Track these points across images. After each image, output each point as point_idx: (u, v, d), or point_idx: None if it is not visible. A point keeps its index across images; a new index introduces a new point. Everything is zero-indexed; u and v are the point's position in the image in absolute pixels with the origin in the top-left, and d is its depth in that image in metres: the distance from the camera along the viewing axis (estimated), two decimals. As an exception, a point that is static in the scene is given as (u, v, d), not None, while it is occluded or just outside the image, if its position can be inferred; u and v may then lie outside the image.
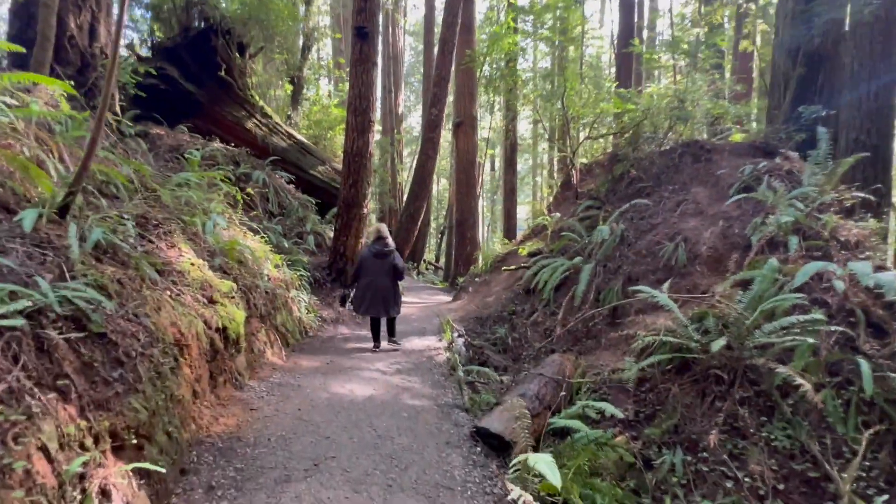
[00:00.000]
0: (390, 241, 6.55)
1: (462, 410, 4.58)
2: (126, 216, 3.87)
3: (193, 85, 9.59)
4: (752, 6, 14.72)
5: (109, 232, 3.26)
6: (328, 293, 8.37)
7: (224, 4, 10.00)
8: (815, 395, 3.52)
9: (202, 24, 9.61)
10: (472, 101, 17.39)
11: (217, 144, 9.28)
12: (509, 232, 22.23)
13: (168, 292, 3.39)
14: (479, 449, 3.43)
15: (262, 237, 6.99)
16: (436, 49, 18.05)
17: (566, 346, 6.18)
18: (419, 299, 12.04)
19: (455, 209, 18.85)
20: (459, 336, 7.40)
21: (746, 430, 3.80)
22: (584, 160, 10.13)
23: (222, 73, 9.51)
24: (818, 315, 3.92)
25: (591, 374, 5.04)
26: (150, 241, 3.94)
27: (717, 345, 3.63)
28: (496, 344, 7.19)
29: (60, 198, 3.14)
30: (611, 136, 8.41)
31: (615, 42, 16.18)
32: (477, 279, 10.54)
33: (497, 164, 35.05)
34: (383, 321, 6.69)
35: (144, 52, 10.35)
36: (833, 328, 3.93)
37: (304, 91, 12.88)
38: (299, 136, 11.12)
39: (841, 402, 3.72)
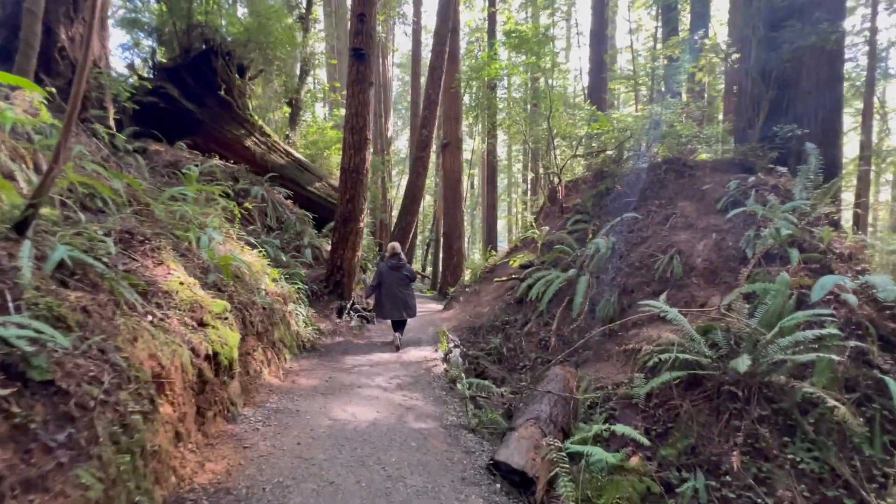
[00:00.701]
0: (403, 256, 7.21)
1: (469, 431, 3.93)
2: (106, 231, 3.14)
3: (194, 104, 8.82)
4: (707, 41, 14.69)
5: (80, 250, 2.54)
6: (325, 305, 7.63)
7: (225, 28, 9.29)
8: (841, 414, 3.01)
9: (203, 46, 8.87)
10: (457, 123, 16.92)
11: (216, 161, 8.51)
12: (490, 244, 21.74)
13: (149, 317, 2.67)
14: (498, 486, 2.79)
15: (260, 251, 6.25)
16: (423, 79, 17.62)
17: (562, 357, 5.60)
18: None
19: (443, 223, 18.27)
20: (455, 346, 6.76)
21: (769, 451, 3.26)
22: (568, 177, 9.66)
23: (222, 93, 8.76)
24: (833, 330, 3.42)
25: (593, 389, 4.45)
26: (134, 259, 3.22)
27: (743, 365, 3.08)
28: (491, 354, 6.55)
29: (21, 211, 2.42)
30: (589, 155, 7.95)
31: (587, 73, 15.94)
32: (467, 289, 9.93)
33: (476, 183, 34.76)
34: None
35: (149, 74, 9.53)
36: (849, 343, 3.44)
37: (302, 113, 12.16)
38: (297, 154, 10.40)
39: (864, 421, 3.22)
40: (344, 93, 8.96)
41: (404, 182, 35.37)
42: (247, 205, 7.96)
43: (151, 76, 8.89)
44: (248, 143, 9.46)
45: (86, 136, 5.06)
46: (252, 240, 6.52)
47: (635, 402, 4.03)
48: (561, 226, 7.84)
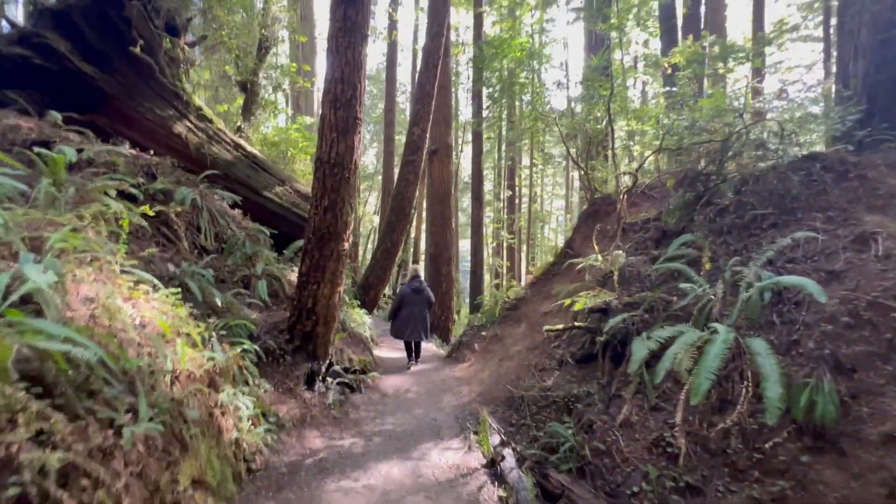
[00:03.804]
0: (423, 279, 7.25)
1: None
2: None
3: (94, 67, 6.05)
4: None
5: None
6: (288, 371, 4.92)
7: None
8: None
9: (112, -14, 6.17)
10: (447, 127, 14.69)
11: (125, 149, 5.74)
12: (475, 266, 19.39)
13: None
14: None
15: (173, 293, 3.55)
16: (407, 90, 15.36)
17: (713, 482, 3.22)
18: (399, 352, 8.67)
19: (429, 242, 15.81)
20: (502, 444, 4.24)
21: None
22: (594, 181, 7.50)
23: (138, 51, 6.05)
24: None
25: None
26: None
27: None
28: (564, 456, 4.08)
29: None
30: (675, 151, 5.78)
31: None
32: (483, 333, 7.44)
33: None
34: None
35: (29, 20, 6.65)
36: None
37: (260, 99, 9.51)
38: (251, 149, 7.70)
39: None
40: (315, 82, 6.50)
41: (373, 199, 32.94)
42: (172, 212, 5.20)
43: (31, 22, 6.09)
44: (179, 127, 6.72)
45: None
46: (172, 269, 3.82)
47: None
48: (634, 250, 5.58)
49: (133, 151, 5.90)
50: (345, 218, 5.18)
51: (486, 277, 23.14)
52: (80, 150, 4.75)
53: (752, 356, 3.12)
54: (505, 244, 26.86)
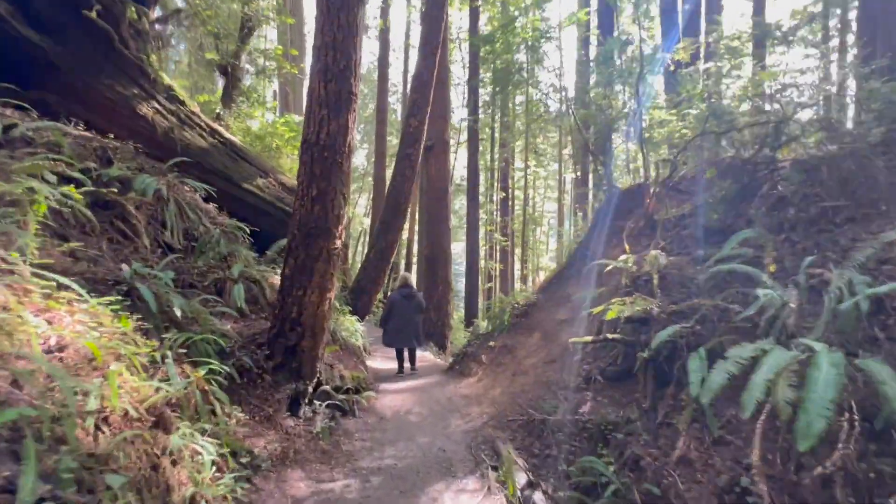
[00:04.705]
0: (413, 285, 7.35)
1: None
2: None
3: (42, 35, 5.18)
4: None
5: None
6: (268, 394, 4.09)
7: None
8: None
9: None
10: (444, 123, 13.96)
11: (75, 129, 4.88)
12: (471, 269, 18.62)
13: None
14: None
15: (115, 301, 2.73)
16: (395, 92, 14.58)
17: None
18: (394, 362, 7.84)
19: (424, 244, 15.05)
20: (531, 485, 3.48)
21: None
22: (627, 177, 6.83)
23: (94, 16, 5.20)
24: None
25: None
26: None
27: None
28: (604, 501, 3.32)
29: None
30: (724, 134, 5.06)
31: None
32: (491, 342, 6.68)
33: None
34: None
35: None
36: None
37: (243, 85, 8.65)
38: (229, 136, 6.85)
39: None
40: (304, 69, 5.65)
41: (362, 201, 31.98)
42: (128, 203, 4.35)
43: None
44: (145, 109, 5.86)
45: None
46: (125, 270, 3.00)
47: None
48: (671, 250, 4.87)
49: (87, 133, 5.03)
50: (336, 211, 4.38)
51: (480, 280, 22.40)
52: (10, 126, 3.89)
53: (877, 384, 2.39)
54: (498, 247, 26.23)
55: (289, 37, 12.15)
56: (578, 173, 22.40)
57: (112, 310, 2.73)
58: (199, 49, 8.05)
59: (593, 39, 15.00)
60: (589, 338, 4.50)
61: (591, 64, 14.09)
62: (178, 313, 3.32)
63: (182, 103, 6.33)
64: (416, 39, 16.79)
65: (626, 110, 6.06)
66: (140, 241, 4.50)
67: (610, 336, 4.29)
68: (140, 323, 2.92)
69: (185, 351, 3.31)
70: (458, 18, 21.98)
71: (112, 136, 5.42)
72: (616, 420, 3.89)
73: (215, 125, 6.74)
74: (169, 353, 2.99)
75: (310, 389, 4.44)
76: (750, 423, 3.24)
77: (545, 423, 4.41)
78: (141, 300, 3.29)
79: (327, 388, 4.69)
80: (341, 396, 4.78)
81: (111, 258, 3.92)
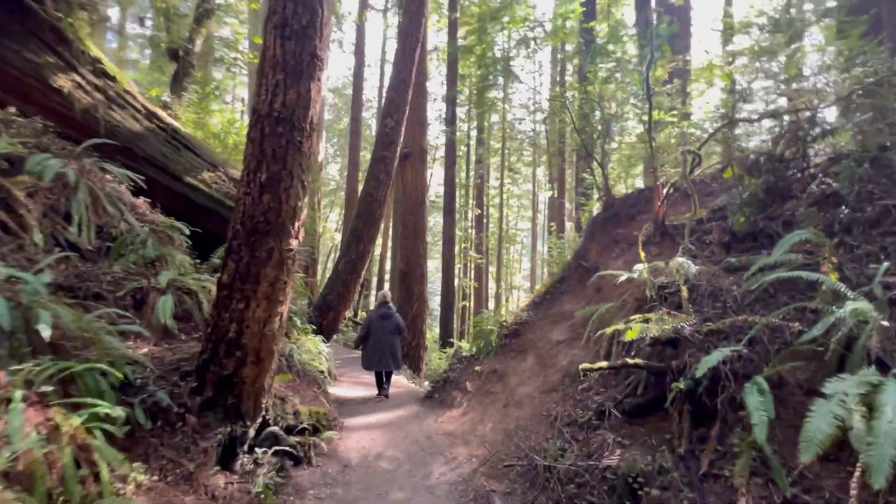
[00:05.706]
0: (392, 304, 6.62)
1: None
2: None
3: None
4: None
5: None
6: (191, 441, 3.04)
7: None
8: None
9: None
10: (422, 130, 13.28)
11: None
12: (447, 286, 17.72)
13: None
14: None
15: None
16: (369, 108, 13.80)
17: None
18: (363, 388, 6.79)
19: (399, 258, 14.13)
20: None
21: None
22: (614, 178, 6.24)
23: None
24: None
25: None
26: None
27: None
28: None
29: None
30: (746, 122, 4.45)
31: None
32: (476, 367, 5.79)
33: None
34: None
35: None
36: None
37: (196, 73, 7.64)
38: (170, 121, 5.81)
39: None
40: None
41: (334, 216, 30.78)
42: (16, 188, 3.29)
43: None
44: (62, 81, 4.80)
45: None
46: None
47: None
48: (692, 258, 4.18)
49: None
50: (293, 202, 3.47)
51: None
52: None
53: None
54: (472, 264, 25.59)
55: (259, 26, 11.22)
56: (555, 192, 22.24)
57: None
58: (142, 25, 7.01)
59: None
60: (605, 363, 3.70)
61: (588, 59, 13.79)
62: (47, 334, 2.29)
63: (113, 79, 5.30)
64: (391, 55, 16.30)
65: (626, 109, 5.51)
66: (29, 236, 3.43)
67: (631, 361, 3.49)
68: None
69: (55, 387, 2.28)
70: (434, 33, 21.74)
71: (13, 109, 4.35)
72: (646, 469, 3.07)
73: (155, 108, 5.71)
74: (18, 392, 1.97)
75: (251, 433, 3.42)
76: (828, 476, 2.51)
77: (552, 471, 3.54)
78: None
79: (275, 429, 3.67)
80: (294, 439, 3.76)
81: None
